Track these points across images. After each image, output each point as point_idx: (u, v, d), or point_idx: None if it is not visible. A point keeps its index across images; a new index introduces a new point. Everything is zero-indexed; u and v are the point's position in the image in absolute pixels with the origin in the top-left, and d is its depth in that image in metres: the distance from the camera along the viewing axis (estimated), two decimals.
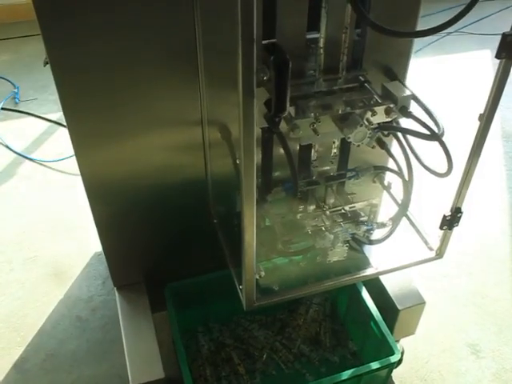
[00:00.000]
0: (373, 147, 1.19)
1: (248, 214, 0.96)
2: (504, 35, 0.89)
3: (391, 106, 1.12)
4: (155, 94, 1.20)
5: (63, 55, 1.09)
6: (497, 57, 0.93)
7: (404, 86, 1.23)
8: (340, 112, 1.11)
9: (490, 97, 1.00)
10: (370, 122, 1.09)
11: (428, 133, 1.12)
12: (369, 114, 1.10)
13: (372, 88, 1.19)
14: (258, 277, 1.14)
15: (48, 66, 1.14)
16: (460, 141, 1.17)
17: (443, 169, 1.15)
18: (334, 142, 1.31)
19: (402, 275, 1.50)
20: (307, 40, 1.17)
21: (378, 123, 1.14)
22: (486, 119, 1.03)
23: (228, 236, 1.33)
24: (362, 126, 1.08)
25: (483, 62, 3.13)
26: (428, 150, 1.17)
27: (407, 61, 1.33)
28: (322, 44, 1.15)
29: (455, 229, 1.21)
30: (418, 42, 1.11)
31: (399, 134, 1.29)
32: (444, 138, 1.12)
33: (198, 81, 1.19)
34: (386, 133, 1.22)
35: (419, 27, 1.27)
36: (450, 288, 1.93)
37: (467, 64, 3.16)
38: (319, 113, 1.08)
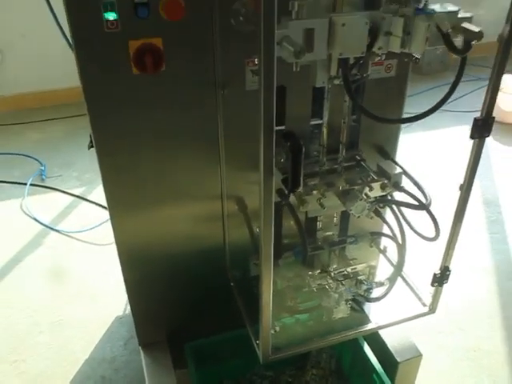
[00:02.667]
0: (371, 218, 1.37)
1: (265, 277, 1.09)
2: (475, 120, 1.07)
3: (385, 182, 1.32)
4: (181, 172, 1.38)
5: (107, 143, 1.29)
6: (471, 137, 1.10)
7: (396, 164, 1.44)
8: (342, 189, 1.31)
9: (467, 170, 1.16)
10: (368, 196, 1.28)
11: (417, 204, 1.31)
12: (367, 189, 1.30)
13: (367, 166, 1.39)
14: (273, 331, 1.27)
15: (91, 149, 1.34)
16: (446, 207, 1.33)
17: (432, 233, 1.32)
18: (335, 215, 1.49)
19: (400, 331, 1.64)
20: (312, 126, 1.39)
21: (375, 196, 1.33)
22: (466, 189, 1.19)
23: (244, 297, 1.48)
24: (361, 199, 1.27)
25: (461, 137, 3.38)
26: (419, 217, 1.35)
27: (396, 140, 1.54)
28: (324, 129, 1.34)
29: (445, 288, 1.37)
30: None
31: (393, 205, 1.48)
32: (432, 207, 1.30)
33: (219, 161, 1.39)
34: (381, 205, 1.40)
35: (406, 107, 1.48)
36: (444, 343, 2.04)
37: (448, 138, 3.45)
38: (324, 189, 1.28)
